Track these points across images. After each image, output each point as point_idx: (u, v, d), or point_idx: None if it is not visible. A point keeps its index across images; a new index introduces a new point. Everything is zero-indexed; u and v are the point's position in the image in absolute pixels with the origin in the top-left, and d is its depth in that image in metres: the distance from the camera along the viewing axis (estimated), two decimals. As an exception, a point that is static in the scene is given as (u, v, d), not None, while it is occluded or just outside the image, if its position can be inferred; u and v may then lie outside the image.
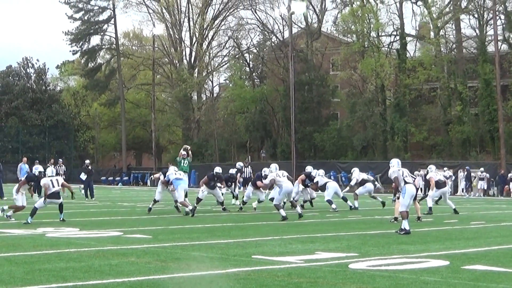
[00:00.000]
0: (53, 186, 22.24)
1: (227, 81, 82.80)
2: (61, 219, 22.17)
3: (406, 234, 18.50)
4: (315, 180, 29.68)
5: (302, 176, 29.64)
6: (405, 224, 18.86)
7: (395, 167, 20.37)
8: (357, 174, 31.03)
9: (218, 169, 27.67)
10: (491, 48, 63.00)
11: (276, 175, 24.21)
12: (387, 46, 71.00)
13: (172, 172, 26.80)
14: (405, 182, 19.84)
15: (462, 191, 54.68)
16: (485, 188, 53.69)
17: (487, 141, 62.95)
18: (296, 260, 13.08)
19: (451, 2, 68.04)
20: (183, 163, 30.26)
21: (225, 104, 79.07)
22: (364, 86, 70.28)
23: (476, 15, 66.67)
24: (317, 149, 69.62)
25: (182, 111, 79.55)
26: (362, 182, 30.44)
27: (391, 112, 67.29)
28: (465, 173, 54.28)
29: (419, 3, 69.97)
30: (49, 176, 22.68)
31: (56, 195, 22.20)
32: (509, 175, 52.21)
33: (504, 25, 64.95)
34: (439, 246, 15.93)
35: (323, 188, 29.73)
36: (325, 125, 70.21)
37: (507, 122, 60.69)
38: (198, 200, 26.82)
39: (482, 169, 54.05)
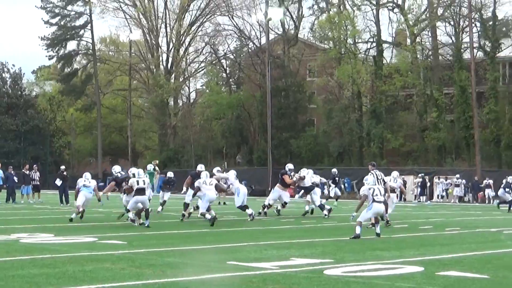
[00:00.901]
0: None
1: (204, 87, 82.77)
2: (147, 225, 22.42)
3: (355, 239, 18.83)
4: (302, 175, 29.25)
5: (287, 179, 28.80)
6: (357, 230, 19.16)
7: (369, 185, 20.49)
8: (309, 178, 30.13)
9: (200, 167, 27.32)
10: (467, 55, 63.40)
11: (203, 183, 24.07)
12: (363, 52, 71.23)
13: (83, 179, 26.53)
14: (374, 201, 19.83)
15: (438, 197, 54.95)
16: (461, 195, 53.96)
17: (463, 148, 63.28)
18: (271, 266, 13.06)
19: (428, 10, 68.40)
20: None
21: (201, 110, 79.06)
22: (341, 92, 70.41)
23: (452, 23, 67.13)
24: (294, 155, 69.55)
25: (158, 116, 79.38)
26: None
27: (367, 119, 67.54)
28: (421, 180, 54.23)
29: (396, 10, 70.36)
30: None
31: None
32: (484, 181, 52.47)
33: (479, 33, 65.34)
34: (414, 252, 15.97)
35: (307, 190, 29.35)
36: (302, 131, 70.29)
37: (482, 129, 61.01)
38: (186, 205, 26.63)
39: (458, 175, 54.34)
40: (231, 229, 22.48)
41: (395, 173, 28.49)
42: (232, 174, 27.39)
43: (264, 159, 67.25)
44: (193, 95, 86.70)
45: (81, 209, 24.95)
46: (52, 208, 31.52)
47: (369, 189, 20.15)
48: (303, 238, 19.42)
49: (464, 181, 54.27)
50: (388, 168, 49.42)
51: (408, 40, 70.01)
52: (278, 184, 28.79)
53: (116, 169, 25.50)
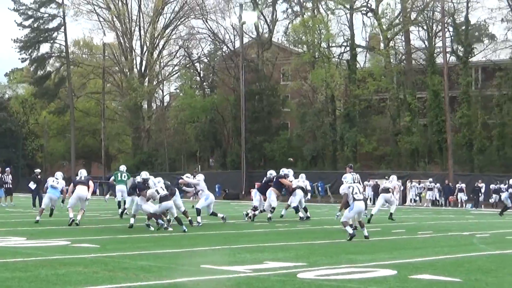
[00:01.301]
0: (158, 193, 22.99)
1: (178, 90, 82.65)
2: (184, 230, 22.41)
3: (353, 238, 19.24)
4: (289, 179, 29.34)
5: (286, 181, 28.86)
6: (348, 230, 19.52)
7: (348, 183, 20.88)
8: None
9: (145, 174, 27.35)
10: (439, 59, 63.79)
11: (155, 190, 23.99)
12: (337, 56, 71.46)
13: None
14: (354, 199, 20.14)
15: (411, 201, 55.20)
16: (435, 198, 54.28)
17: (435, 152, 63.65)
18: (244, 269, 13.06)
19: (401, 14, 68.75)
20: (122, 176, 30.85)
21: (175, 113, 78.93)
22: (314, 96, 70.54)
23: (425, 27, 67.52)
24: (267, 159, 69.70)
25: (132, 120, 79.17)
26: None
27: (341, 123, 67.75)
28: (373, 184, 54.40)
29: (369, 14, 70.67)
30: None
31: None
32: (457, 185, 52.82)
33: (452, 37, 65.75)
34: (387, 256, 16.02)
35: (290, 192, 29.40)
36: (275, 135, 70.35)
37: (455, 133, 61.42)
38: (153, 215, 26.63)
39: (430, 179, 54.65)
40: (205, 232, 22.44)
41: (392, 177, 30.51)
42: (201, 179, 27.19)
43: (237, 163, 67.28)
44: (167, 99, 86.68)
45: (43, 214, 24.88)
46: (24, 212, 31.35)
47: (349, 187, 20.62)
48: (277, 241, 19.45)
49: (438, 184, 54.59)
50: (362, 172, 49.72)
51: (382, 45, 70.31)
52: (272, 188, 28.61)
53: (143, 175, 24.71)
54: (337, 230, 23.19)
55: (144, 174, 24.25)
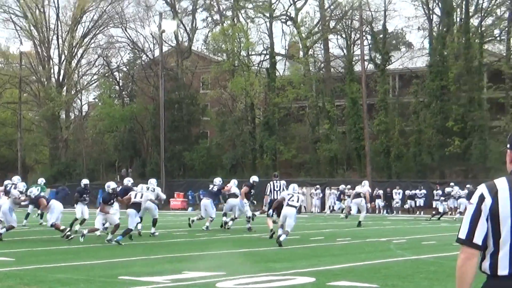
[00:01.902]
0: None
1: (96, 100, 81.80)
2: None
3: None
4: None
5: (245, 189, 28.66)
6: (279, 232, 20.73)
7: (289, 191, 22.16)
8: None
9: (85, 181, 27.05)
10: (358, 67, 64.57)
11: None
12: (257, 65, 71.80)
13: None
14: (287, 204, 21.25)
15: (330, 208, 55.60)
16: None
17: (354, 159, 64.38)
18: (163, 280, 12.97)
19: (320, 23, 69.43)
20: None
21: (94, 123, 78.11)
22: (234, 104, 70.70)
23: (344, 35, 68.39)
24: (187, 168, 69.53)
25: (49, 130, 78.05)
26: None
27: (260, 131, 67.97)
28: (319, 191, 54.96)
29: (289, 23, 71.25)
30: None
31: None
32: (374, 192, 53.43)
33: (370, 46, 66.66)
34: (306, 263, 16.10)
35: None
36: (195, 144, 70.18)
37: (372, 140, 62.20)
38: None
39: (349, 186, 55.10)
40: (124, 243, 22.20)
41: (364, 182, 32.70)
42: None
43: (157, 172, 66.75)
44: (85, 108, 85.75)
45: None
46: None
47: (288, 194, 21.61)
48: (197, 251, 19.38)
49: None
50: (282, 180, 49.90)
51: (301, 53, 70.89)
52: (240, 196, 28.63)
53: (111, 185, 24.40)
54: (256, 239, 23.23)
55: (113, 184, 24.26)
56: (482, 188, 4.19)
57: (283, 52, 73.79)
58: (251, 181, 29.08)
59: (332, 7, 69.68)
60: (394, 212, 53.23)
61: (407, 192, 53.31)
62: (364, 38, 64.26)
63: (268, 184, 25.83)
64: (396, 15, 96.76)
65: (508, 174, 4.27)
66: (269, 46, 69.42)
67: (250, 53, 71.40)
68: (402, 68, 66.66)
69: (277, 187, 25.00)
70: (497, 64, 63.42)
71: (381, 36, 66.21)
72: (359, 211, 32.85)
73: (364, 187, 30.54)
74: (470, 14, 62.43)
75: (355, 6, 63.97)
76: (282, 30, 73.00)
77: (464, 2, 61.84)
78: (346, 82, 65.03)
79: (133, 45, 77.23)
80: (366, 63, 63.38)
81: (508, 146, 4.27)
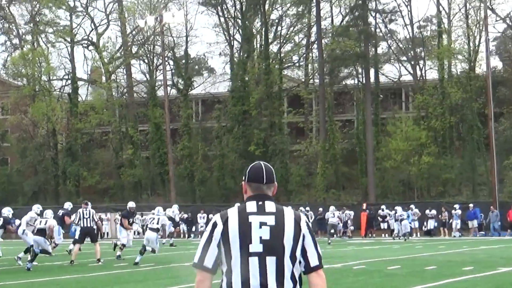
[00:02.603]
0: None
1: None
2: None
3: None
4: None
5: (124, 221, 28.33)
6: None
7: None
8: None
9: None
10: (161, 92, 64.78)
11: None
12: (58, 90, 70.65)
13: None
14: (148, 228, 23.79)
15: (135, 233, 55.29)
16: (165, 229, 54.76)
17: (158, 184, 64.50)
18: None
19: (122, 48, 69.24)
20: None
21: None
22: (35, 130, 69.15)
23: (146, 61, 68.54)
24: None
25: None
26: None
27: (63, 157, 66.86)
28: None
29: (91, 47, 70.58)
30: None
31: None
32: (180, 216, 53.61)
33: (173, 71, 67.15)
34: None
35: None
36: (-6, 171, 68.14)
37: (176, 165, 62.55)
38: None
39: (153, 211, 54.97)
40: None
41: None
42: None
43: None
44: None
45: None
46: None
47: (149, 218, 23.83)
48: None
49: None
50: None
51: (104, 78, 70.37)
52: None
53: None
54: (57, 266, 22.75)
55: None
56: (216, 217, 4.67)
57: (85, 77, 73.05)
58: (127, 208, 28.92)
59: (134, 32, 69.79)
60: (199, 236, 53.60)
61: (211, 216, 53.82)
62: (166, 63, 64.72)
63: (78, 211, 26.03)
64: (198, 41, 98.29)
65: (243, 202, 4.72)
66: (70, 71, 68.51)
67: (51, 78, 70.23)
68: (204, 93, 67.61)
69: (86, 215, 25.09)
70: (296, 90, 65.58)
71: (183, 61, 66.91)
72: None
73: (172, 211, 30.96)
74: (270, 40, 64.27)
75: (157, 31, 64.25)
76: (84, 55, 72.63)
77: (263, 29, 63.49)
78: (149, 107, 65.10)
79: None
80: (169, 88, 63.71)
81: (244, 178, 4.75)
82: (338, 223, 45.49)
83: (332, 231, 42.77)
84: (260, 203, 4.67)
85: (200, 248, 4.61)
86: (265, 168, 4.76)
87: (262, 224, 4.55)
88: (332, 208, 44.05)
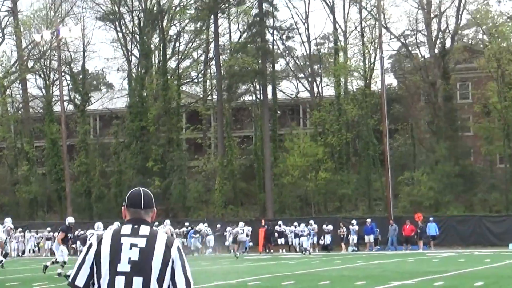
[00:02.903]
0: None
1: None
2: None
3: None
4: None
5: (61, 235, 27.27)
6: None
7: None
8: None
9: None
10: (57, 107, 63.96)
11: None
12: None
13: None
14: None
15: (30, 252, 54.37)
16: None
17: (55, 201, 63.58)
18: None
19: (18, 62, 68.11)
20: None
21: None
22: None
23: (42, 75, 67.59)
24: None
25: None
26: None
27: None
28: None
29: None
30: None
31: None
32: (76, 233, 52.89)
33: (70, 86, 66.41)
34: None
35: None
36: None
37: (73, 181, 61.80)
38: None
39: (49, 228, 54.15)
40: None
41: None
42: None
43: None
44: None
45: None
46: None
47: (89, 233, 24.21)
48: None
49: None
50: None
51: None
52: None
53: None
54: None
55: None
56: (93, 238, 4.84)
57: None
58: (66, 223, 27.86)
59: (30, 46, 68.74)
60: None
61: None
62: (63, 78, 63.91)
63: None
64: (95, 56, 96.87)
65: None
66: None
67: None
68: (102, 109, 67.11)
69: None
70: (195, 105, 65.69)
71: (80, 76, 66.25)
72: None
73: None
74: (168, 56, 64.22)
75: (53, 46, 63.41)
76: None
77: (161, 45, 63.40)
78: (45, 122, 64.17)
79: None
80: (65, 103, 63.02)
81: (124, 203, 4.87)
82: (247, 240, 45.44)
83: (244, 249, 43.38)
84: (136, 226, 4.80)
85: (75, 268, 4.77)
86: (144, 194, 4.88)
87: (132, 245, 4.70)
88: (241, 224, 43.90)
